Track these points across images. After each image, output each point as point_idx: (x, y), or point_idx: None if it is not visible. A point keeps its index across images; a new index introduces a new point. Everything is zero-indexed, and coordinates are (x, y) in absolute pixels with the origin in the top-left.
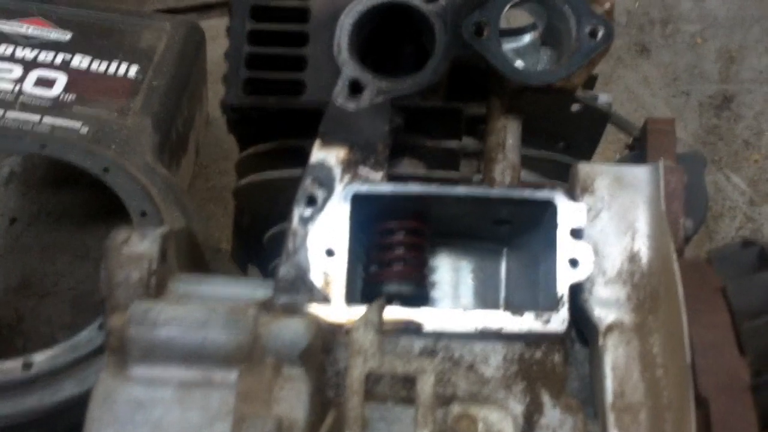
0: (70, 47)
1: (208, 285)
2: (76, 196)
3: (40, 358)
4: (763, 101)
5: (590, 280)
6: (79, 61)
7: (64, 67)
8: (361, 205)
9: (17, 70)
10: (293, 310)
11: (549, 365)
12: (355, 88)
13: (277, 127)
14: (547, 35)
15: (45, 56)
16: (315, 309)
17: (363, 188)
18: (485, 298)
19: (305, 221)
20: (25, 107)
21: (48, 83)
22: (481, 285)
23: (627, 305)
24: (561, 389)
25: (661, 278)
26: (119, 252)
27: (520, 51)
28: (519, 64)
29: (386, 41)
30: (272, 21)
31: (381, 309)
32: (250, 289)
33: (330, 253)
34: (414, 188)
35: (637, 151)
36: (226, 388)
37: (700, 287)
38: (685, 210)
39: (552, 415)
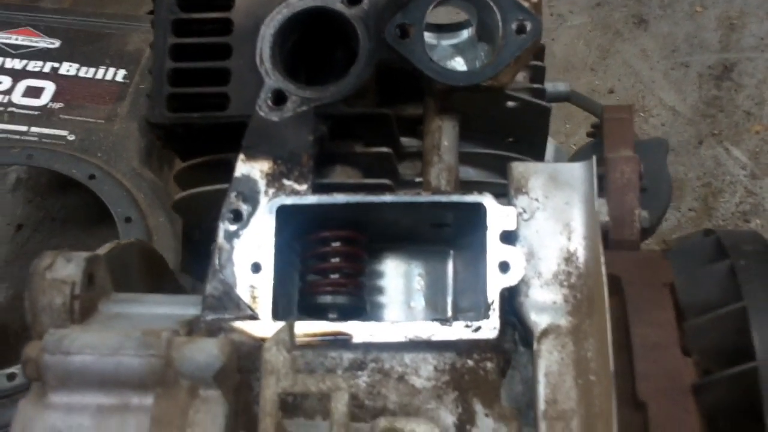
0: (58, 55)
1: (140, 305)
2: (80, 200)
3: None
4: (765, 69)
5: (525, 282)
6: (67, 69)
7: (53, 75)
8: (291, 216)
9: (6, 82)
10: (219, 328)
11: (481, 374)
12: (278, 98)
13: (206, 141)
14: (480, 31)
15: (33, 66)
16: (241, 325)
17: (288, 201)
18: (435, 302)
19: (231, 236)
20: (14, 118)
21: (36, 92)
22: (429, 288)
23: (564, 308)
24: (494, 398)
25: (597, 280)
26: (42, 277)
27: (459, 47)
28: (458, 60)
29: (316, 48)
30: (194, 35)
31: (292, 328)
32: (181, 308)
33: (256, 268)
34: (339, 198)
35: (598, 139)
36: (143, 413)
37: (647, 284)
38: (641, 201)
39: (485, 424)
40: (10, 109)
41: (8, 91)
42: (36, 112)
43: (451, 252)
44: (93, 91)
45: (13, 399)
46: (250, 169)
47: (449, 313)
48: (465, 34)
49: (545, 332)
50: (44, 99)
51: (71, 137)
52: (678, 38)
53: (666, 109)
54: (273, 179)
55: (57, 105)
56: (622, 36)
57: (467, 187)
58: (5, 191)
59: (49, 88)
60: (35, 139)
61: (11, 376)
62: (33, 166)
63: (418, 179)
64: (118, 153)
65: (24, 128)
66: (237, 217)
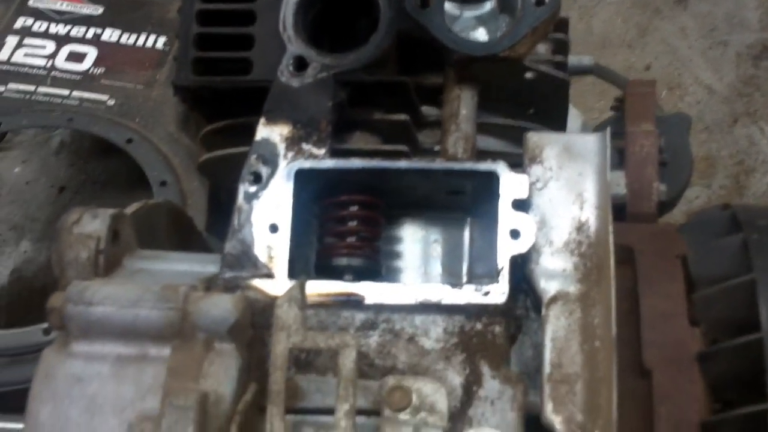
0: (101, 21)
1: (162, 262)
2: (121, 164)
3: None
4: None
5: (536, 250)
6: (109, 35)
7: (95, 41)
8: (310, 179)
9: (50, 46)
10: (236, 285)
11: (489, 337)
12: (300, 64)
13: (230, 105)
14: (502, 3)
15: (77, 31)
16: (257, 283)
17: (306, 164)
18: (451, 268)
19: (250, 197)
20: (56, 82)
21: (79, 57)
22: (446, 255)
23: (573, 276)
24: (501, 361)
25: (607, 249)
26: (70, 232)
27: (482, 18)
28: (480, 31)
29: (340, 17)
30: (220, 1)
31: (303, 286)
32: (201, 265)
33: (274, 228)
34: (356, 163)
35: (621, 113)
36: (160, 363)
37: (659, 255)
38: (660, 174)
39: (491, 386)
40: (53, 73)
41: (52, 56)
42: (78, 77)
43: (468, 219)
44: (134, 57)
45: None
46: (270, 132)
47: (464, 280)
48: (487, 5)
49: (554, 299)
50: (86, 64)
51: (111, 102)
52: (717, 17)
53: (702, 88)
54: (292, 143)
55: (98, 70)
56: (661, 13)
57: (485, 156)
58: (49, 154)
59: (92, 53)
60: (76, 103)
61: (47, 331)
62: (73, 129)
63: (437, 148)
64: (156, 118)
65: (66, 92)
66: (257, 178)
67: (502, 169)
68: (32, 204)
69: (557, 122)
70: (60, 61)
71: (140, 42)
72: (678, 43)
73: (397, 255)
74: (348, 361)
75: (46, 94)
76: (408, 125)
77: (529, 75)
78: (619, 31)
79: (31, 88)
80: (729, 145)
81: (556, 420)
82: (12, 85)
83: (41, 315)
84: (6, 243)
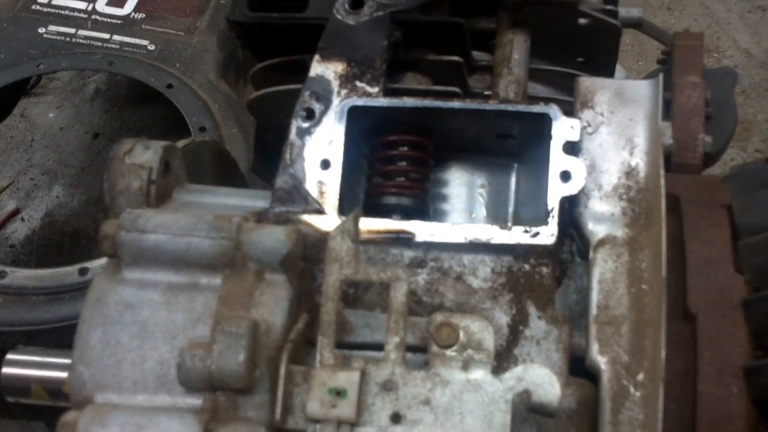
0: None
1: (211, 195)
2: (155, 113)
3: (96, 264)
4: None
5: (586, 194)
6: None
7: None
8: (362, 117)
9: None
10: (286, 219)
11: (537, 278)
12: (356, 2)
13: (282, 42)
14: None
15: None
16: (308, 219)
17: (359, 102)
18: (496, 213)
19: (302, 133)
20: (97, 25)
21: (119, 2)
22: (491, 199)
23: (621, 220)
24: (548, 302)
25: (656, 194)
26: (122, 162)
27: None
28: None
29: None
30: None
31: (357, 219)
32: (250, 200)
33: (325, 164)
34: (409, 102)
35: (667, 66)
36: (211, 292)
37: (705, 204)
38: (706, 127)
39: (537, 326)
40: (93, 16)
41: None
42: (118, 21)
43: (515, 165)
44: (174, 4)
45: (85, 293)
46: (324, 69)
47: (509, 224)
48: None
49: (602, 242)
50: (127, 9)
51: (151, 47)
52: None
53: (740, 51)
54: (346, 80)
55: (139, 15)
56: None
57: (535, 101)
58: (84, 100)
59: None
60: (117, 47)
61: (83, 271)
62: (113, 72)
63: (486, 92)
64: (196, 65)
65: (106, 36)
66: (309, 115)
67: (554, 112)
68: (65, 149)
69: (605, 72)
70: (101, 5)
71: None
72: (717, 6)
73: (442, 198)
74: (399, 294)
75: (86, 37)
76: (461, 66)
77: (582, 21)
78: None
79: (72, 30)
80: (765, 109)
81: (601, 360)
82: (52, 27)
83: (72, 259)
84: (39, 187)
